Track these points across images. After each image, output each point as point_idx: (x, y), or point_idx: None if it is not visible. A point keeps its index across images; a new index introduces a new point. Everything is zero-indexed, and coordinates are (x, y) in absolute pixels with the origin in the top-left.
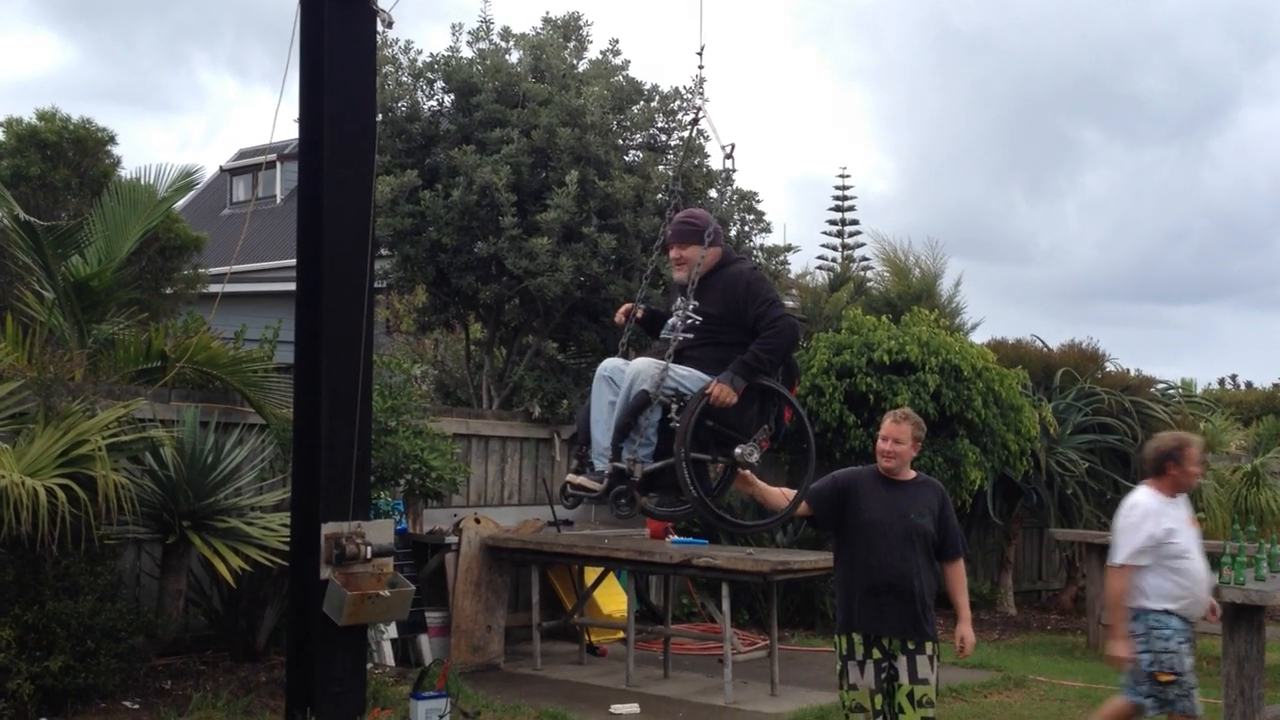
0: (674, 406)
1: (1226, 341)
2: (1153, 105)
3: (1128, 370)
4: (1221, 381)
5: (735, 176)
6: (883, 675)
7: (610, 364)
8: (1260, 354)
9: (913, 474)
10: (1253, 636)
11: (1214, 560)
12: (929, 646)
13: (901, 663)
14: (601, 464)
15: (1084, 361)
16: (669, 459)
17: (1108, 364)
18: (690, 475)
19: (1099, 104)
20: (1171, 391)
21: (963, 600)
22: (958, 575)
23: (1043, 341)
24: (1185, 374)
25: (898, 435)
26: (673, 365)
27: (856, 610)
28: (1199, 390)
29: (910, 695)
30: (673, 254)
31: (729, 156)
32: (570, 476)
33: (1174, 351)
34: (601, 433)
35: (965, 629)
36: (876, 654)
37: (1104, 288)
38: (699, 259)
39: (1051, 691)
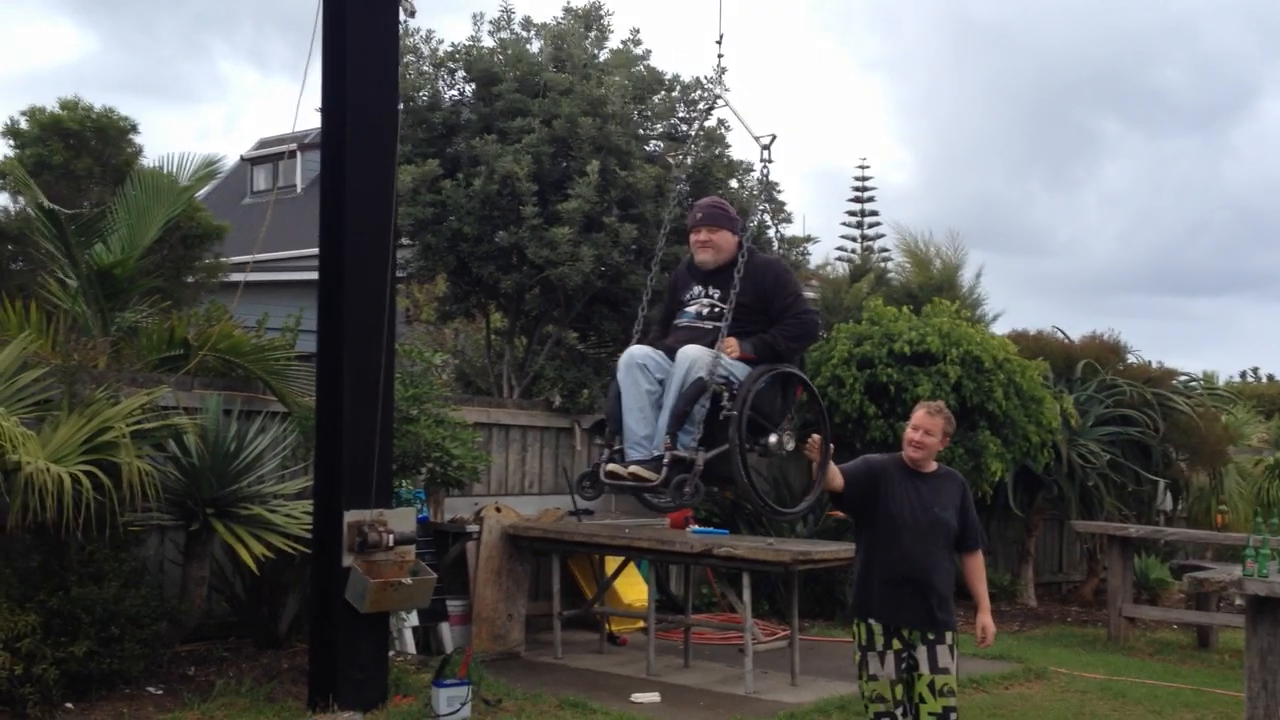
0: (725, 395)
1: (1248, 334)
2: (1173, 97)
3: (1149, 362)
4: (1243, 374)
5: (770, 168)
6: (903, 666)
7: (640, 352)
8: None
9: (934, 465)
10: (1276, 629)
11: (1236, 553)
12: (949, 636)
13: (921, 653)
14: (638, 453)
15: (1105, 353)
16: (719, 447)
17: (1129, 356)
18: (745, 463)
19: (1118, 96)
20: (1193, 384)
21: (982, 590)
22: (977, 566)
23: (1064, 333)
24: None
25: (929, 427)
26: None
27: (875, 600)
28: (1221, 383)
29: (931, 685)
30: (702, 236)
31: (766, 148)
32: (613, 466)
33: (1195, 344)
34: (637, 421)
35: (986, 619)
36: (897, 644)
37: (1124, 280)
38: (726, 246)
39: (1072, 683)
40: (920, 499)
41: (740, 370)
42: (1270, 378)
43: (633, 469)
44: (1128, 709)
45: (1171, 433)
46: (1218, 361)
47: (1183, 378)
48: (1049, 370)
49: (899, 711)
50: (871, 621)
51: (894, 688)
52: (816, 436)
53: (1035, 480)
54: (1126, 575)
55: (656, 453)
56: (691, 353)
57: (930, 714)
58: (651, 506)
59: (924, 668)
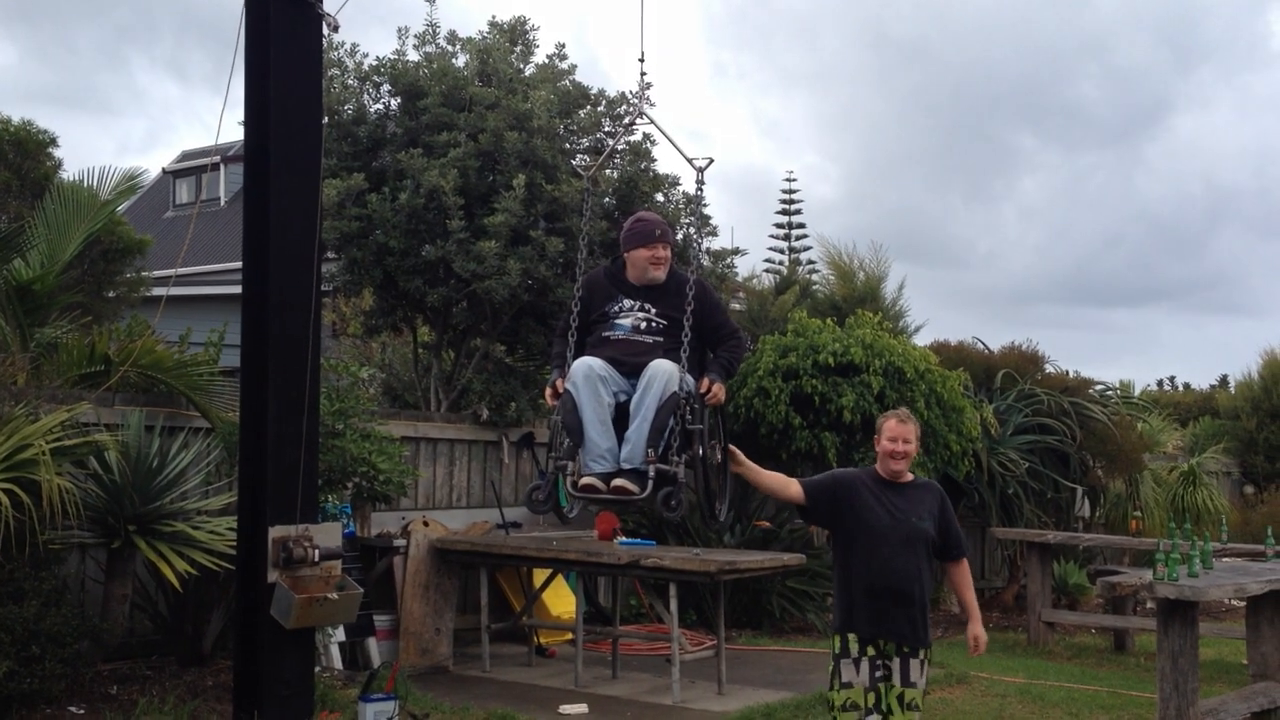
0: (686, 409)
1: (1164, 344)
2: (1088, 112)
3: (1067, 372)
4: (1160, 383)
5: (704, 190)
6: (879, 674)
7: (599, 363)
8: (1197, 356)
9: (910, 476)
10: (1186, 632)
11: (1151, 558)
12: (922, 651)
13: (895, 664)
14: (600, 466)
15: (1024, 363)
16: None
17: (1047, 366)
18: (710, 472)
19: (1035, 111)
20: (1110, 393)
21: (970, 598)
22: (963, 575)
23: (984, 344)
24: (1124, 376)
25: (905, 434)
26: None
27: (856, 613)
28: (1137, 392)
29: (900, 698)
30: (659, 252)
31: (701, 171)
32: (591, 480)
33: (1113, 354)
34: (599, 434)
35: (977, 628)
36: (871, 651)
37: (1042, 291)
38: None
39: (992, 687)
40: (898, 510)
41: (691, 384)
42: (1186, 386)
43: (617, 483)
44: (1046, 712)
45: (1088, 441)
46: (1135, 371)
47: (1099, 387)
48: (969, 380)
49: (871, 719)
50: (850, 635)
51: (867, 695)
52: (736, 451)
53: (957, 488)
54: (1045, 581)
55: (627, 466)
56: (666, 367)
57: None
58: (667, 518)
59: (896, 679)
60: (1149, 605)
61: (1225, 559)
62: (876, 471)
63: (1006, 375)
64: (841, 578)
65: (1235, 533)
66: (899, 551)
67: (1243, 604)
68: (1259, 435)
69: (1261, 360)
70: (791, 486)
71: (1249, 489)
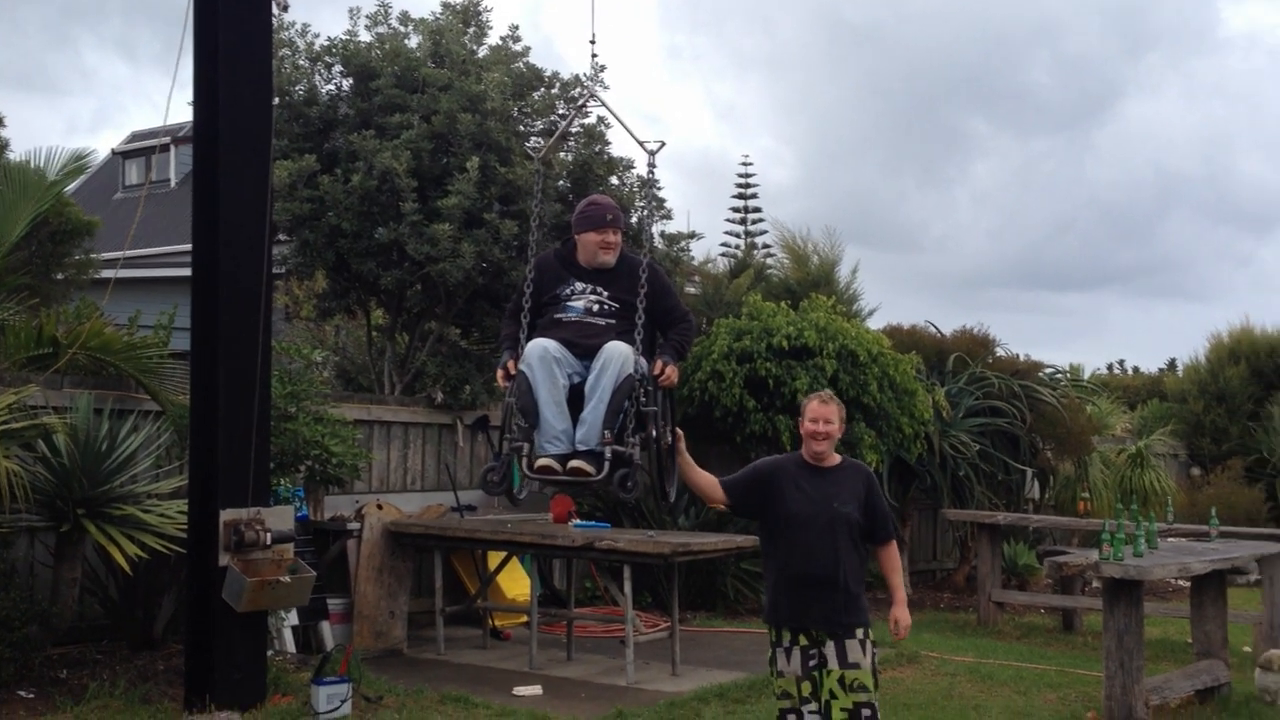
0: (640, 391)
1: (1114, 328)
2: (1039, 98)
3: (1017, 355)
4: (1110, 367)
5: (656, 172)
6: (811, 663)
7: (553, 345)
8: (1146, 340)
9: (837, 458)
10: (1131, 611)
11: (1096, 538)
12: (859, 632)
13: (829, 649)
14: (555, 447)
15: (975, 347)
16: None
17: (998, 349)
18: (662, 453)
19: (987, 96)
20: (1059, 376)
21: (897, 582)
22: (891, 558)
23: (936, 327)
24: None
25: (827, 415)
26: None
27: (782, 602)
28: (1086, 375)
29: (841, 680)
30: (610, 237)
31: (653, 154)
32: (547, 462)
33: (1064, 338)
34: (554, 415)
35: (900, 611)
36: (804, 640)
37: (995, 275)
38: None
39: (942, 666)
40: (820, 494)
41: (645, 366)
42: (1135, 370)
43: (574, 464)
44: (994, 690)
45: (1038, 423)
46: (1085, 354)
47: (1049, 370)
48: (921, 364)
49: (806, 709)
50: (781, 625)
51: (800, 684)
52: (680, 432)
53: (909, 471)
54: (995, 562)
55: (583, 447)
56: (621, 349)
57: (842, 709)
58: (624, 499)
59: (833, 663)
60: (1096, 585)
61: (1171, 539)
62: (802, 456)
63: (958, 359)
64: (767, 567)
65: (1182, 514)
66: (820, 537)
67: (1188, 583)
68: (1205, 418)
69: (1208, 344)
70: (717, 489)
71: (1195, 471)
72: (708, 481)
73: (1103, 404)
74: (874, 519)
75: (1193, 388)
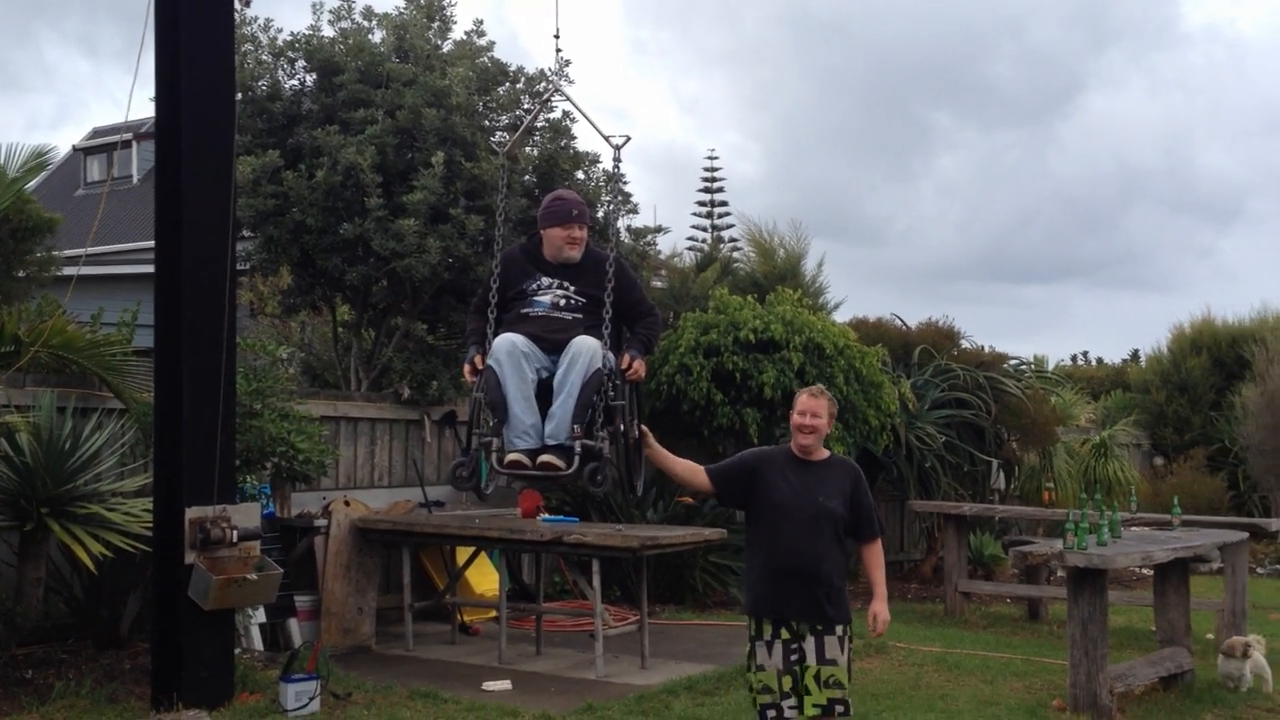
0: (609, 385)
1: (1078, 319)
2: (1003, 91)
3: (982, 347)
4: (1074, 358)
5: (621, 167)
6: (794, 658)
7: (521, 340)
8: (1109, 331)
9: (825, 453)
10: (1095, 599)
11: (1061, 528)
12: (838, 629)
13: (809, 644)
14: (524, 442)
15: (940, 339)
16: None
17: (963, 341)
18: (630, 445)
19: (952, 89)
20: (1024, 368)
21: (879, 577)
22: (874, 555)
23: (902, 320)
24: (1039, 351)
25: (815, 409)
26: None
27: (762, 593)
28: (1050, 366)
29: (817, 676)
30: (575, 233)
31: (619, 149)
32: (517, 456)
33: (1028, 329)
34: (523, 410)
35: (879, 606)
36: (785, 634)
37: (960, 268)
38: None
39: (910, 657)
40: (805, 488)
41: (612, 361)
42: (1098, 361)
43: (544, 459)
44: (961, 679)
45: (1003, 415)
46: (1049, 346)
47: (1013, 361)
48: (887, 356)
49: (786, 703)
50: (762, 617)
51: (781, 679)
52: (648, 432)
53: (875, 463)
54: (962, 552)
55: (552, 442)
56: (590, 343)
57: (815, 705)
58: (594, 493)
59: (810, 659)
60: (1060, 574)
61: (1134, 528)
62: (790, 449)
63: (924, 351)
64: (750, 558)
65: (1145, 503)
66: (803, 530)
67: (1151, 572)
68: (1168, 408)
69: (1170, 335)
70: (699, 475)
71: (1158, 460)
72: (687, 468)
73: (1067, 395)
74: (859, 516)
75: (1155, 378)
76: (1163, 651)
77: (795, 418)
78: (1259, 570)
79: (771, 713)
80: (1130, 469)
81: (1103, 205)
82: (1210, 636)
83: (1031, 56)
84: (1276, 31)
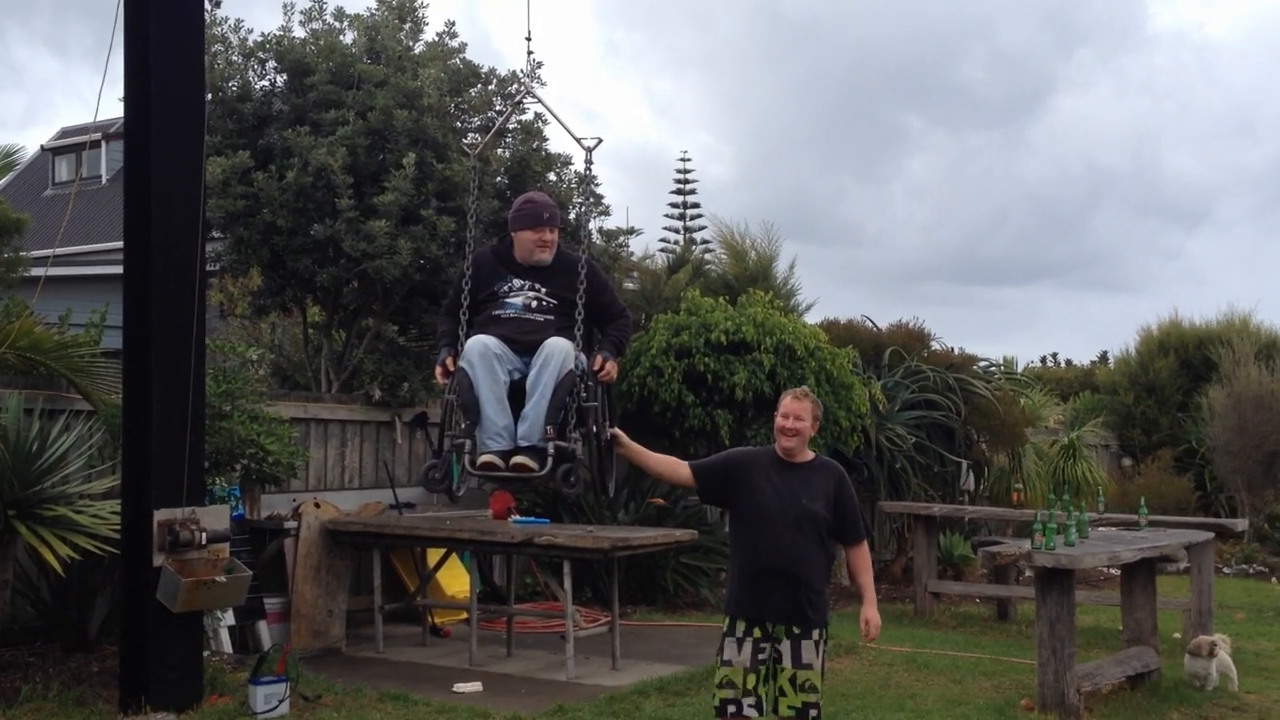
0: (581, 386)
1: (1048, 321)
2: (974, 93)
3: (952, 349)
4: (1043, 359)
5: (593, 169)
6: (762, 656)
7: (494, 341)
8: (1078, 332)
9: (810, 456)
10: (1063, 599)
11: (1029, 528)
12: (816, 633)
13: (785, 646)
14: (497, 444)
15: (911, 341)
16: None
17: (933, 343)
18: (601, 447)
19: (923, 92)
20: (993, 369)
21: (866, 582)
22: (860, 559)
23: (872, 322)
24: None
25: (798, 411)
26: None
27: (742, 594)
28: (1020, 368)
29: (792, 679)
30: (546, 236)
31: (590, 151)
32: (489, 458)
33: (999, 331)
34: (496, 411)
35: (870, 611)
36: (757, 633)
37: (930, 269)
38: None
39: (880, 657)
40: (788, 490)
41: (585, 362)
42: (1067, 362)
43: (517, 460)
44: (930, 679)
45: (973, 416)
46: (1019, 347)
47: (983, 363)
48: (858, 358)
49: (747, 701)
50: (739, 616)
51: (746, 675)
52: (619, 433)
53: (846, 464)
54: (931, 553)
55: (525, 443)
56: (562, 345)
57: (789, 707)
58: (568, 494)
59: (786, 661)
60: (1029, 574)
61: (1102, 528)
62: (775, 450)
63: (894, 352)
64: (732, 558)
65: (1113, 504)
66: (786, 532)
67: (1119, 572)
68: (1136, 409)
69: (1138, 337)
70: (681, 469)
71: (1126, 461)
72: (665, 463)
73: (1036, 396)
74: (844, 519)
75: (1123, 380)
76: (1130, 651)
77: (779, 420)
78: (1225, 570)
79: (731, 708)
80: (1098, 470)
81: (1072, 207)
82: (1177, 636)
83: (1002, 59)
84: (1245, 36)
